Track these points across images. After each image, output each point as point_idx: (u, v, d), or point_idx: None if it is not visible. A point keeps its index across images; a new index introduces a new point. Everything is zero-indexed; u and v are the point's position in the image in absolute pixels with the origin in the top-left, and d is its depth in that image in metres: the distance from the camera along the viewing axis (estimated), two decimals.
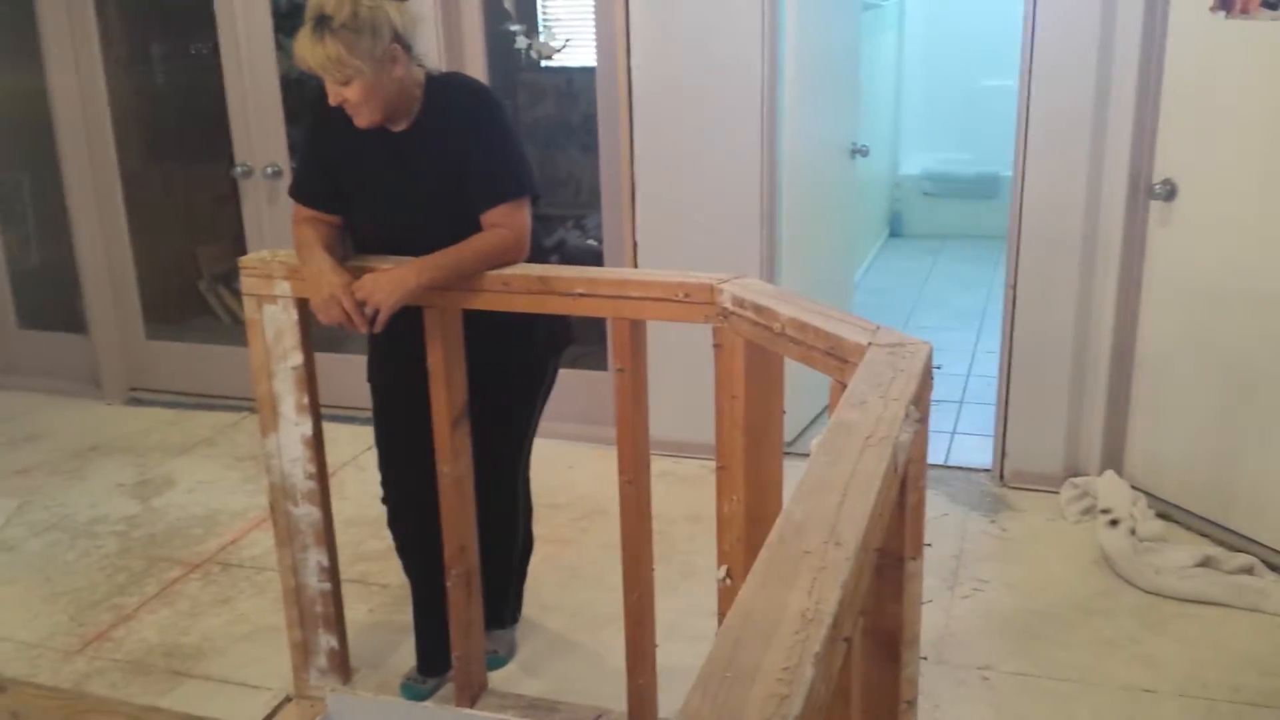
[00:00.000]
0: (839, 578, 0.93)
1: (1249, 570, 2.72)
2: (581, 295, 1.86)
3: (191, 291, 4.38)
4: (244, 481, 3.48)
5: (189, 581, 2.96)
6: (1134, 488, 3.04)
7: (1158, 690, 2.36)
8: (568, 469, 3.44)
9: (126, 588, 2.93)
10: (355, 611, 2.72)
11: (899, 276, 5.54)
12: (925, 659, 2.47)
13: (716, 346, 1.83)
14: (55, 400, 4.10)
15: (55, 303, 4.16)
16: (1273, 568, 2.75)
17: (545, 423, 3.44)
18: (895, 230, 6.30)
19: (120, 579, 2.97)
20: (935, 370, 1.48)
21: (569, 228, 4.25)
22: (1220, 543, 2.87)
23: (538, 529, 2.99)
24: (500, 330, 2.10)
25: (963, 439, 3.62)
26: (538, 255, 2.09)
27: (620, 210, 3.31)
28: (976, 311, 4.83)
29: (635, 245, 3.26)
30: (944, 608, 2.69)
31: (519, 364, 2.21)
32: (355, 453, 3.57)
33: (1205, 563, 2.74)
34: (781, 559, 0.97)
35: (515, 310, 1.94)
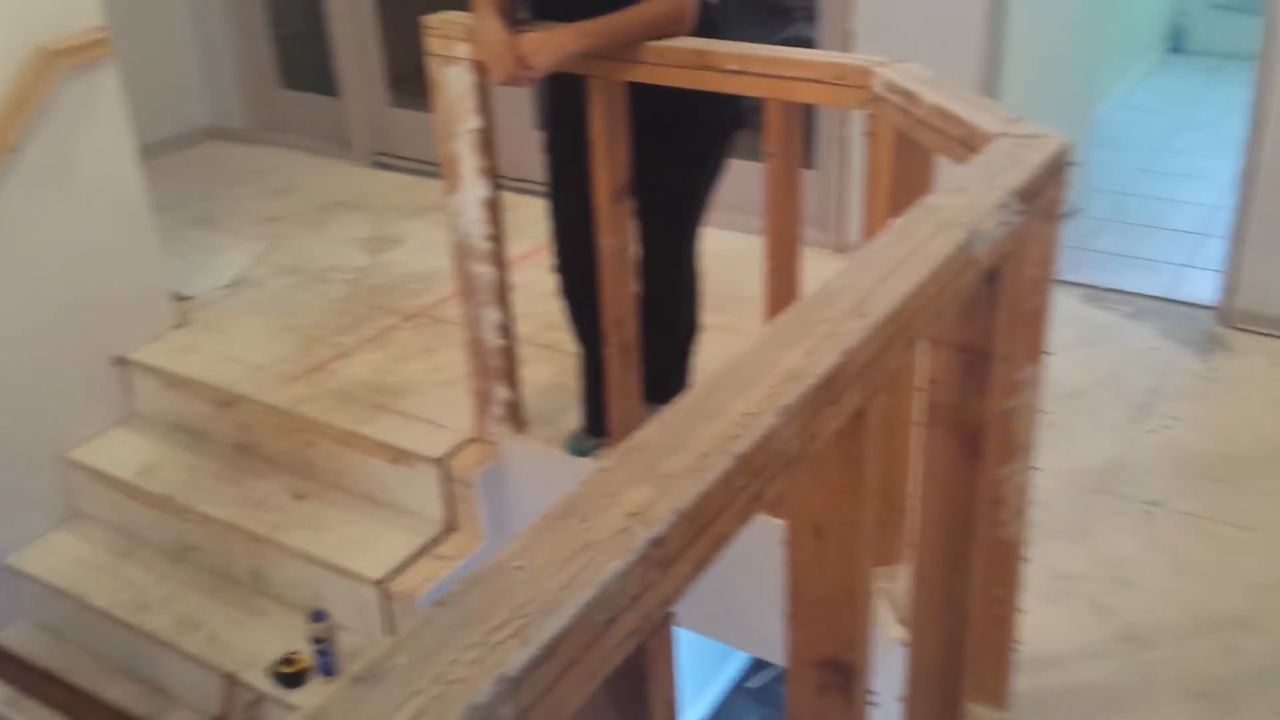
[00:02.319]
0: (843, 345, 0.94)
1: None
2: (735, 72, 1.83)
3: None
4: None
5: (401, 330, 3.24)
6: None
7: None
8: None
9: (347, 329, 3.24)
10: (540, 373, 2.91)
11: (1168, 97, 5.01)
12: (1092, 488, 2.40)
13: (869, 135, 1.77)
14: (308, 158, 4.45)
15: (312, 65, 4.45)
16: None
17: (748, 219, 3.43)
18: (1176, 46, 5.64)
19: (343, 321, 3.29)
20: (1070, 168, 1.38)
21: (800, 20, 4.09)
22: None
23: (725, 319, 3.05)
24: (668, 106, 2.10)
25: (1195, 273, 3.34)
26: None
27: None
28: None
29: (850, 35, 3.11)
30: (1124, 438, 2.57)
31: (687, 142, 2.21)
32: None
33: None
34: (793, 324, 0.97)
35: (671, 84, 1.94)
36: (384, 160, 4.38)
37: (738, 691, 5.16)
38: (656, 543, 0.74)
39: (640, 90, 2.05)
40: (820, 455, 0.95)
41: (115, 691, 2.82)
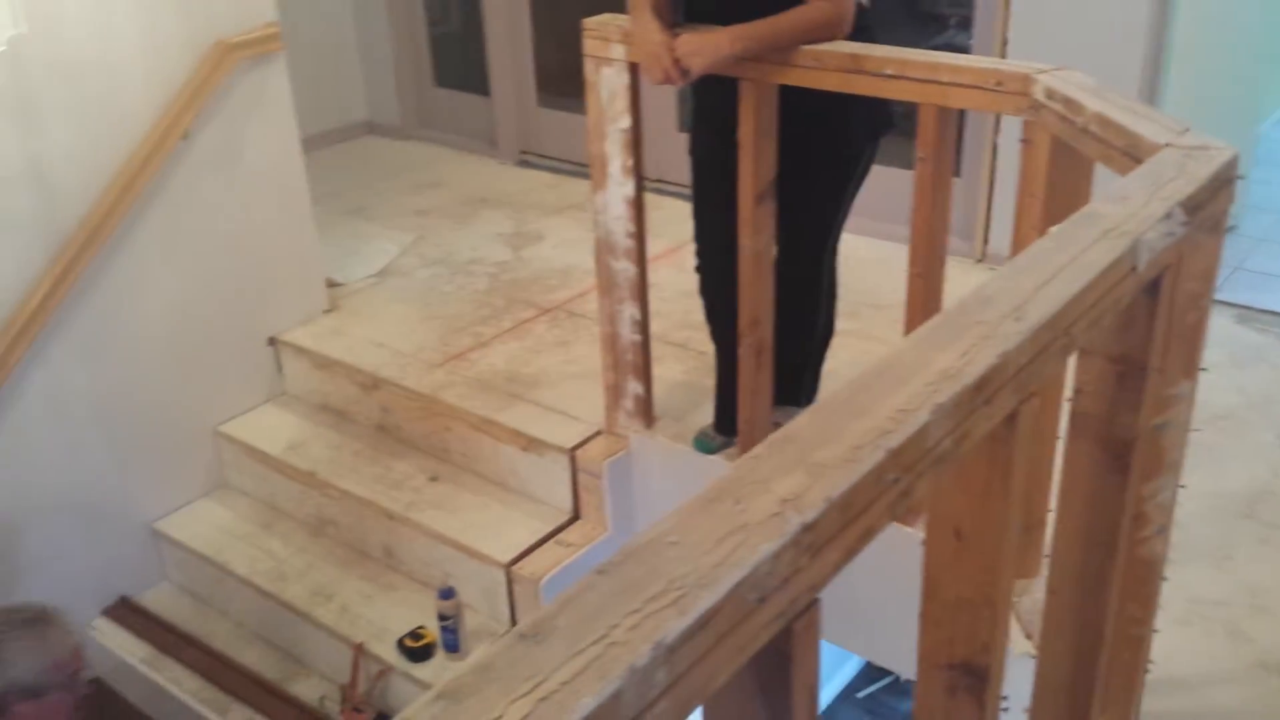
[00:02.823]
0: (1000, 347, 0.93)
1: None
2: (891, 76, 1.82)
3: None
4: None
5: (538, 323, 3.32)
6: None
7: None
8: (901, 273, 3.40)
9: (487, 320, 3.34)
10: (671, 370, 2.94)
11: None
12: (1242, 514, 2.31)
13: (1024, 142, 1.75)
14: (457, 154, 4.59)
15: (466, 65, 4.59)
16: None
17: (891, 226, 3.41)
18: None
19: (483, 312, 3.38)
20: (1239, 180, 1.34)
21: (954, 27, 4.03)
22: None
23: (858, 325, 3.03)
24: (817, 109, 2.11)
25: None
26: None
27: (994, 5, 3.11)
28: None
29: (1005, 43, 3.06)
30: (1273, 464, 2.47)
31: (833, 145, 2.21)
32: None
33: None
34: (948, 325, 0.98)
35: (826, 88, 1.94)
36: (529, 159, 4.48)
37: (846, 700, 5.12)
38: (808, 528, 0.76)
39: (790, 93, 2.06)
40: (968, 457, 0.95)
41: (250, 656, 2.96)
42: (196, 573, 3.11)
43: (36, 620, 2.16)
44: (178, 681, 2.87)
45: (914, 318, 2.03)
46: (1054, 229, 1.17)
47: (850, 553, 0.81)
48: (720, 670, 0.72)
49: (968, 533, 1.08)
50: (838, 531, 0.79)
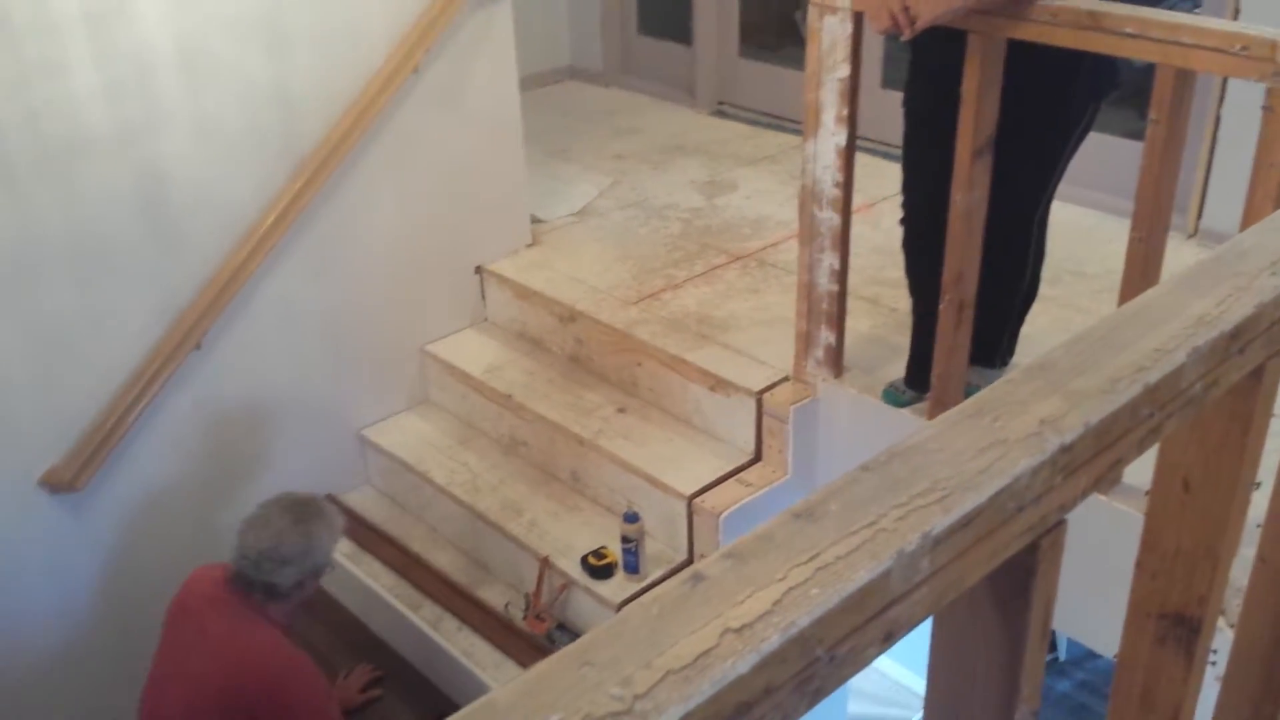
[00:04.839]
0: (1257, 299, 0.95)
1: None
2: (1129, 35, 1.80)
3: (788, 20, 4.66)
4: (793, 197, 3.75)
5: (729, 269, 3.38)
6: None
7: None
8: (1108, 243, 3.33)
9: (679, 263, 3.42)
10: (860, 324, 2.97)
11: None
12: None
13: (1266, 109, 1.70)
14: (655, 102, 4.67)
15: (669, 14, 4.66)
16: None
17: (1101, 195, 3.33)
18: None
19: (676, 255, 3.47)
20: None
21: None
22: None
23: (1059, 292, 2.99)
24: (1042, 65, 2.09)
25: None
26: None
27: None
28: None
29: (1238, 11, 2.93)
30: None
31: (1055, 103, 2.19)
32: (899, 190, 3.72)
33: None
34: (1206, 273, 0.99)
35: (1058, 44, 1.93)
36: (725, 109, 4.53)
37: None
38: (1065, 449, 0.81)
39: (1014, 47, 2.05)
40: (1207, 408, 0.98)
41: (442, 560, 3.17)
42: (397, 479, 3.33)
43: (325, 509, 2.40)
44: (375, 576, 3.10)
45: (1130, 284, 2.00)
46: None
47: (1099, 480, 0.86)
48: (972, 571, 0.78)
49: (1196, 485, 1.10)
50: (1091, 457, 0.83)
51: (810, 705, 0.70)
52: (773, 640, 0.65)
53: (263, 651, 2.23)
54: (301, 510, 2.34)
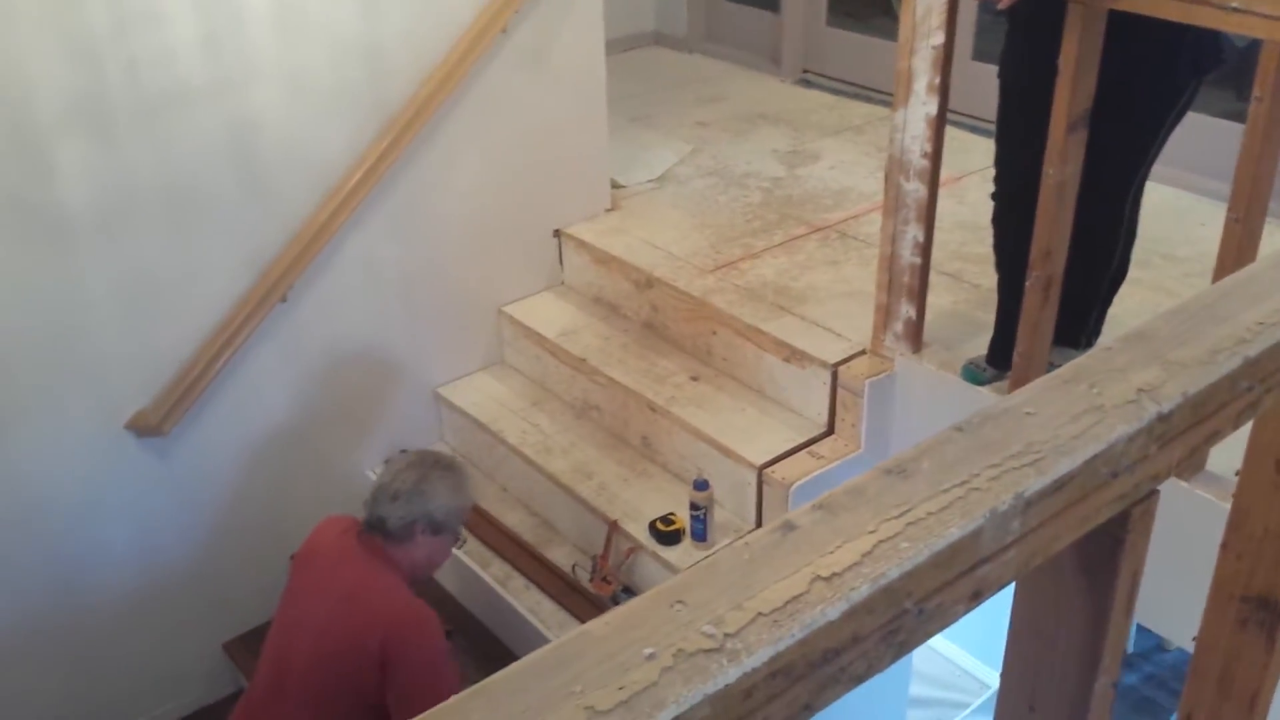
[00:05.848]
0: None
1: None
2: (1236, 10, 1.74)
3: None
4: (877, 169, 3.74)
5: (809, 240, 3.36)
6: None
7: None
8: (1200, 225, 3.24)
9: (758, 232, 3.41)
10: (941, 299, 2.93)
11: None
12: None
13: None
14: (739, 70, 4.64)
15: None
16: None
17: (1194, 176, 3.24)
18: None
19: (755, 225, 3.46)
20: None
21: None
22: None
23: (1147, 274, 2.93)
24: (1144, 39, 2.04)
25: None
26: None
27: None
28: None
29: None
30: None
31: (1155, 78, 2.13)
32: (986, 164, 3.65)
33: None
34: None
35: (1163, 16, 1.87)
36: (809, 79, 4.48)
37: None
38: (1163, 418, 0.79)
39: (1114, 19, 2.00)
40: None
41: (512, 519, 3.21)
42: (470, 437, 3.38)
43: (454, 467, 2.45)
44: None
45: (1225, 266, 1.95)
46: None
47: (1194, 451, 0.84)
48: (1063, 535, 0.78)
49: None
50: (1188, 427, 0.82)
51: (895, 657, 0.70)
52: (862, 590, 0.65)
53: (387, 597, 2.24)
54: (426, 458, 2.41)
